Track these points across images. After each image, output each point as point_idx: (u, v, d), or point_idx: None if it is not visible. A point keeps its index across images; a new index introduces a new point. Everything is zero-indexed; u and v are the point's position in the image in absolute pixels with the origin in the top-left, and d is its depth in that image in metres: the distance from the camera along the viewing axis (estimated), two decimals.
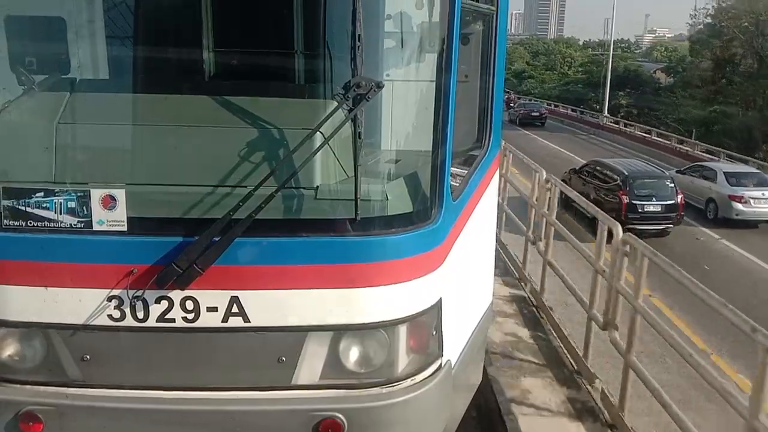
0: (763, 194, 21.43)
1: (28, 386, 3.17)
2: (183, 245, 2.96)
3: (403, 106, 3.49)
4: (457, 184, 3.59)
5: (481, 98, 4.18)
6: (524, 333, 6.85)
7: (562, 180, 14.92)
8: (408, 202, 3.31)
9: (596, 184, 20.81)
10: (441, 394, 3.41)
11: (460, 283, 3.70)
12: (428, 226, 3.24)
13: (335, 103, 3.01)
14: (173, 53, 3.70)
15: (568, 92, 66.95)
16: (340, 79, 3.02)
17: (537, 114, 50.83)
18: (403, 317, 3.22)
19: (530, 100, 61.56)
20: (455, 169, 3.50)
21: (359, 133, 2.94)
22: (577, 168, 23.24)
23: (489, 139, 4.25)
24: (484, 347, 4.71)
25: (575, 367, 6.06)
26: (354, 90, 2.88)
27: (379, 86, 2.91)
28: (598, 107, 53.19)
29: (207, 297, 3.07)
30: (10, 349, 3.16)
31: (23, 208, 3.02)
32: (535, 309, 7.48)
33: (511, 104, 59.11)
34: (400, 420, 3.24)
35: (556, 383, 5.79)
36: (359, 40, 2.86)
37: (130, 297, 3.01)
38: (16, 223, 3.03)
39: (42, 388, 3.17)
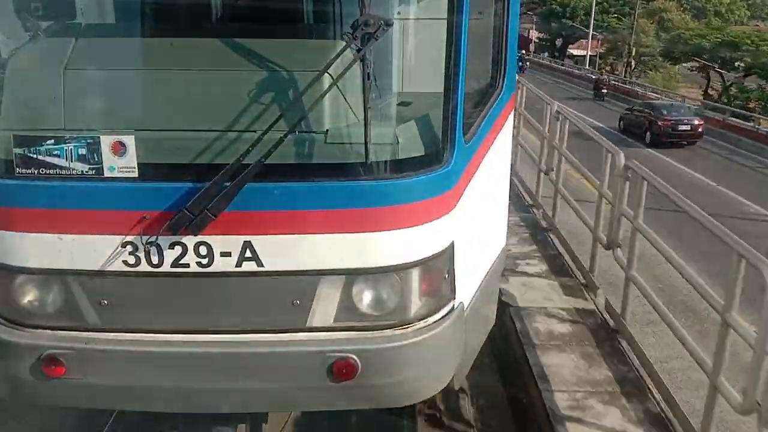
0: None
1: (49, 331, 3.25)
2: (194, 191, 2.96)
3: (414, 45, 3.40)
4: (470, 126, 3.52)
5: (496, 37, 4.06)
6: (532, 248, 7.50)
7: None
8: (419, 146, 3.26)
9: None
10: (453, 336, 3.44)
11: (473, 227, 3.69)
12: (440, 169, 3.20)
13: (344, 44, 2.94)
14: None
15: None
16: (349, 19, 2.93)
17: (687, 128, 28.20)
18: (416, 261, 3.22)
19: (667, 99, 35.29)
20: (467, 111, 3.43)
21: (368, 73, 2.88)
22: None
23: (503, 80, 4.16)
24: (498, 290, 4.73)
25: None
26: (362, 29, 2.80)
27: (388, 24, 2.83)
28: None
29: (220, 242, 3.08)
30: (30, 296, 3.23)
31: (34, 155, 3.02)
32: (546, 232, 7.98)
33: (603, 89, 39.34)
34: (412, 360, 3.29)
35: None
36: None
37: (144, 243, 3.04)
38: (28, 171, 3.04)
39: (63, 332, 3.24)
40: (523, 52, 57.22)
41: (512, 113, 4.53)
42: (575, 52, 68.06)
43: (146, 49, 3.42)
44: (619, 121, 29.56)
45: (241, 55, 3.17)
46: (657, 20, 52.30)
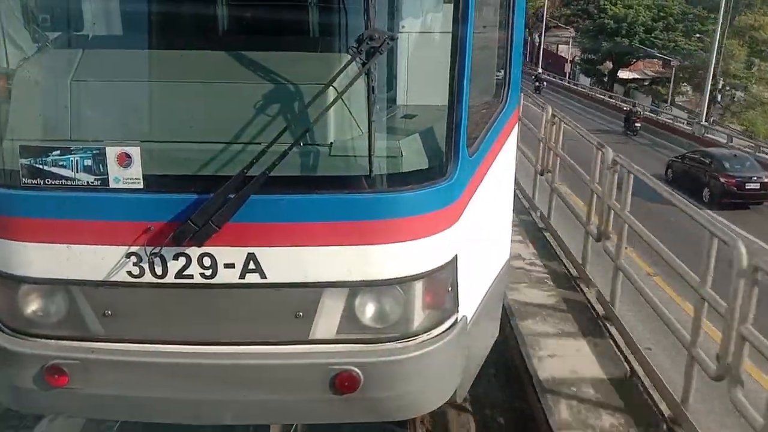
0: None
1: (53, 341, 3.25)
2: (199, 202, 2.97)
3: (419, 58, 3.42)
4: (474, 140, 3.53)
5: (500, 50, 4.08)
6: (531, 250, 7.94)
7: None
8: (423, 158, 3.27)
9: None
10: (456, 349, 3.43)
11: (476, 240, 3.68)
12: (444, 182, 3.21)
13: (349, 57, 2.95)
14: (186, 8, 3.65)
15: None
16: (354, 32, 2.95)
17: (756, 186, 21.78)
18: (419, 273, 3.22)
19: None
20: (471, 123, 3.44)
21: (373, 87, 2.89)
22: None
23: (508, 93, 4.17)
24: (501, 303, 4.72)
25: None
26: (367, 43, 2.81)
27: (392, 39, 2.84)
28: None
29: (224, 254, 3.09)
30: (34, 305, 3.23)
31: (40, 166, 3.04)
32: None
33: (636, 122, 32.99)
34: (415, 374, 3.28)
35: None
36: None
37: (148, 254, 3.05)
38: (34, 182, 3.05)
39: (67, 342, 3.24)
40: (540, 70, 49.96)
41: (516, 126, 4.54)
42: (624, 75, 53.37)
43: (152, 61, 3.44)
44: (666, 169, 24.56)
45: (246, 67, 3.19)
46: (746, 41, 40.03)
